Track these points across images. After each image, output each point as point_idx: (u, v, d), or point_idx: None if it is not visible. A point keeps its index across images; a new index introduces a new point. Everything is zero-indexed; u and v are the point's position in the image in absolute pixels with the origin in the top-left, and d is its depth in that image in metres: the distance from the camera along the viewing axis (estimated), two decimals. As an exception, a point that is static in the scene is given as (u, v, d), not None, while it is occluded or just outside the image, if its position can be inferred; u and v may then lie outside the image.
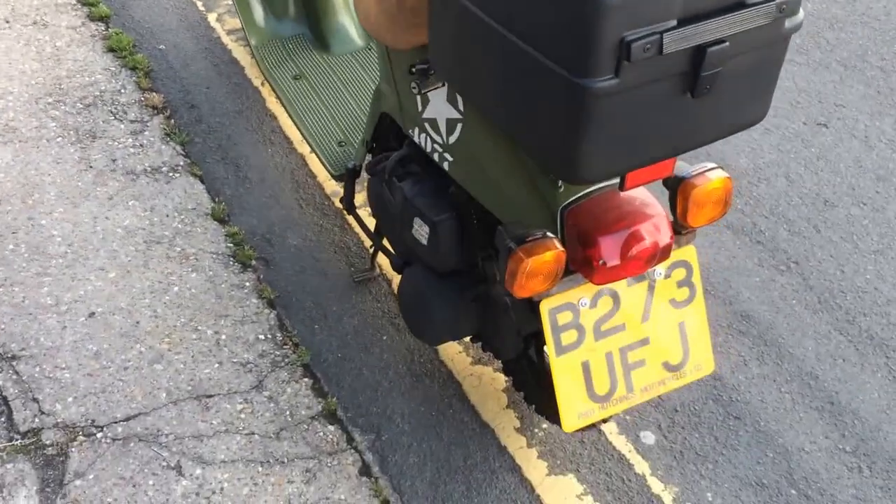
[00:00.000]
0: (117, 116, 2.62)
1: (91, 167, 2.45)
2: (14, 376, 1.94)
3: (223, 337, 2.08)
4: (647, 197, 1.52)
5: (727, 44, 1.19)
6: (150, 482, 1.79)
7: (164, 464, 1.83)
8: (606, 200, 1.49)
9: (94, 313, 2.09)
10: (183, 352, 2.03)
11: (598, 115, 1.18)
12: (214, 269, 2.23)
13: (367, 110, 2.04)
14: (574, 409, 1.57)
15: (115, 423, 1.89)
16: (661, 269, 1.60)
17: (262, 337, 2.09)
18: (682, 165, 1.53)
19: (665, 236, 1.48)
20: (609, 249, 1.44)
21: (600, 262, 1.44)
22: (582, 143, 1.21)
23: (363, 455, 1.90)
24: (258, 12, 2.61)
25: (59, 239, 2.25)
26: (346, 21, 2.60)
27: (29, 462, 1.80)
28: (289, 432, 1.91)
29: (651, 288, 1.60)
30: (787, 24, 1.26)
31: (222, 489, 1.80)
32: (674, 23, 1.15)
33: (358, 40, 2.58)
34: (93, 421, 1.88)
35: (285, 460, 1.86)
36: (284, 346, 2.08)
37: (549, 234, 1.45)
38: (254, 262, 2.26)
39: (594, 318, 1.56)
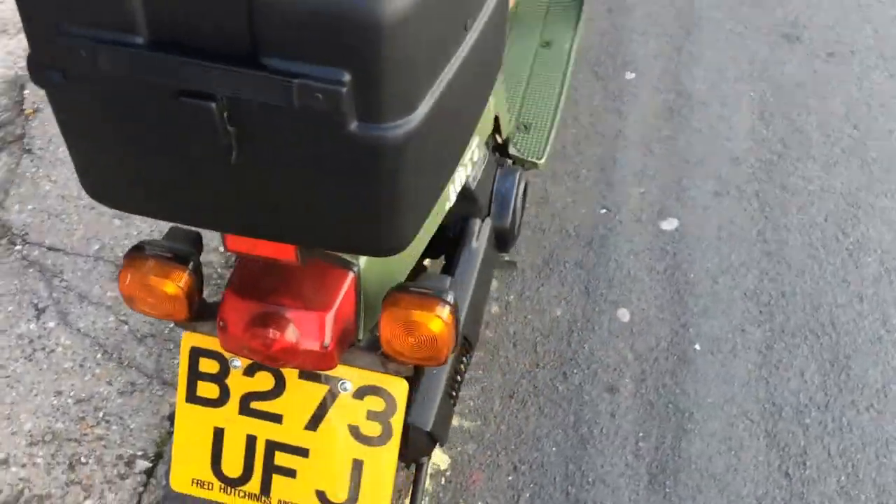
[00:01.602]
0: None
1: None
2: None
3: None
4: (348, 286, 1.18)
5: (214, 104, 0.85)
6: None
7: None
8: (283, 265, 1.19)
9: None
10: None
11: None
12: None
13: None
14: (189, 470, 1.33)
15: None
16: (349, 382, 1.26)
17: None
18: (429, 273, 1.18)
19: (310, 341, 1.15)
20: (231, 314, 1.17)
21: (220, 322, 1.18)
22: None
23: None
24: None
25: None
26: None
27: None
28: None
29: (331, 397, 1.27)
30: (356, 128, 0.86)
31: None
32: (138, 40, 0.85)
33: None
34: None
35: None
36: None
37: (190, 254, 1.21)
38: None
39: (246, 388, 1.29)
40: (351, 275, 1.18)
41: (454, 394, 1.55)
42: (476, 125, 1.15)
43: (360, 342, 1.25)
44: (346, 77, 0.79)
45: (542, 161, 1.99)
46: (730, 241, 2.22)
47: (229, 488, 1.32)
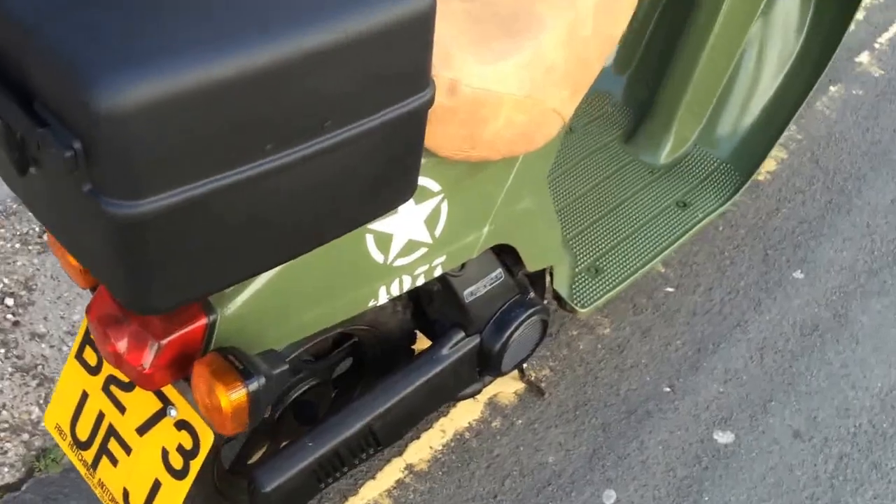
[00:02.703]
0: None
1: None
2: None
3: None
4: (195, 327, 1.25)
5: None
6: None
7: None
8: None
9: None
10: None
11: None
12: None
13: None
14: (57, 414, 1.48)
15: None
16: (175, 410, 1.33)
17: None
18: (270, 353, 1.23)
19: (134, 357, 1.23)
20: (97, 301, 1.29)
21: (89, 304, 1.31)
22: None
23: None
24: None
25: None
26: None
27: None
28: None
29: (160, 415, 1.35)
30: (89, 190, 0.91)
31: None
32: None
33: None
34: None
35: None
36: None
37: None
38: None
39: (113, 370, 1.40)
40: (203, 319, 1.24)
41: (327, 477, 1.56)
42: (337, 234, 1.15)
43: None
44: (77, 144, 0.86)
45: (585, 310, 1.89)
46: (775, 486, 1.95)
47: (75, 447, 1.46)
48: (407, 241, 1.38)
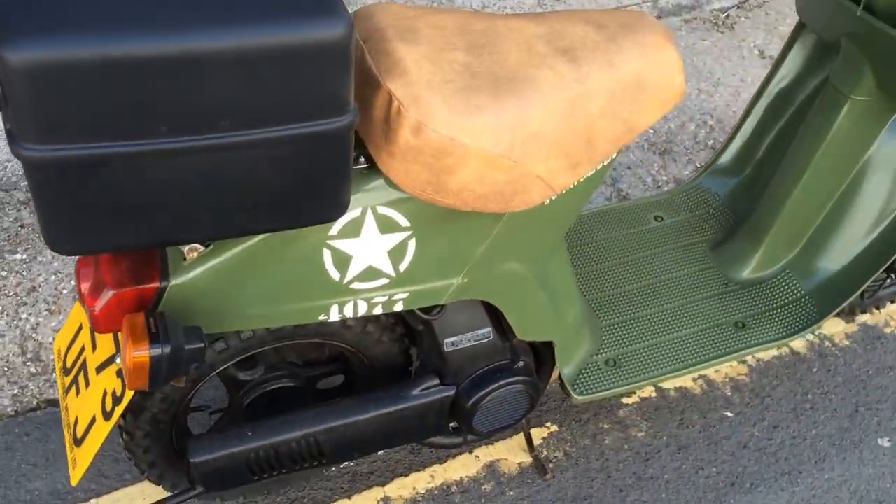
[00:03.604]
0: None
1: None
2: None
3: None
4: (147, 286, 1.38)
5: None
6: None
7: None
8: None
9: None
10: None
11: None
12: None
13: None
14: (66, 336, 1.66)
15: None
16: (118, 359, 1.46)
17: None
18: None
19: (94, 299, 1.38)
20: (83, 268, 1.43)
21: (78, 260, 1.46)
22: None
23: None
24: None
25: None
26: None
27: None
28: None
29: (111, 361, 1.49)
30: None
31: None
32: None
33: None
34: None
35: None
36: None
37: None
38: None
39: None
40: (157, 283, 1.36)
41: (261, 471, 1.63)
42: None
43: None
44: (1, 90, 1.02)
45: (581, 398, 1.83)
46: None
47: (62, 372, 1.64)
48: (367, 266, 1.43)
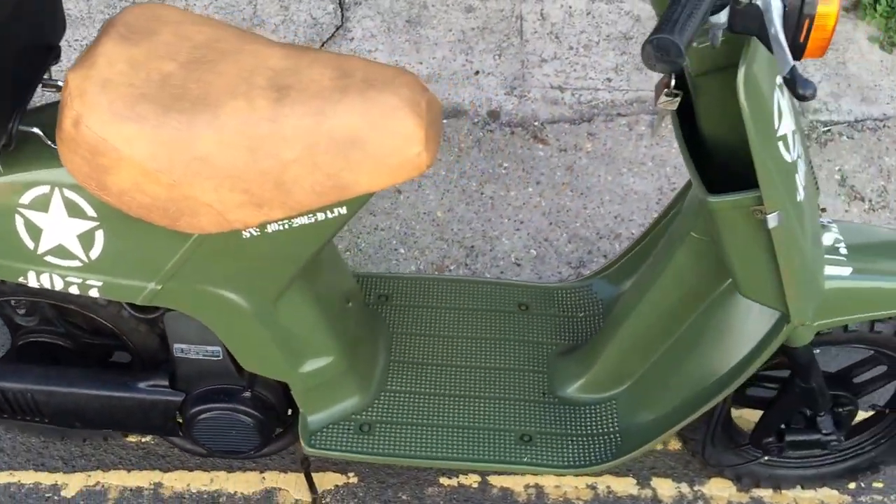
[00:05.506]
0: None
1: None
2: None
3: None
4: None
5: None
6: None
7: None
8: None
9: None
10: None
11: None
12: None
13: None
14: None
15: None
16: None
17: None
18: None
19: None
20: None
21: None
22: None
23: None
24: None
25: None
26: None
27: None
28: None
29: None
30: None
31: None
32: None
33: None
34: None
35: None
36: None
37: None
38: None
39: None
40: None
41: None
42: None
43: None
44: None
45: (308, 449, 1.75)
46: None
47: None
48: (58, 244, 1.49)
